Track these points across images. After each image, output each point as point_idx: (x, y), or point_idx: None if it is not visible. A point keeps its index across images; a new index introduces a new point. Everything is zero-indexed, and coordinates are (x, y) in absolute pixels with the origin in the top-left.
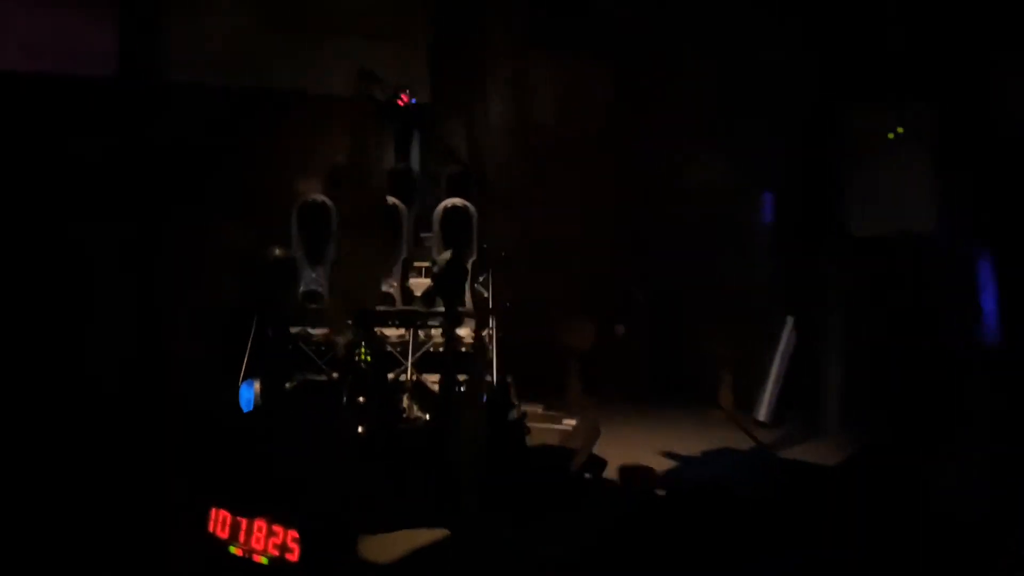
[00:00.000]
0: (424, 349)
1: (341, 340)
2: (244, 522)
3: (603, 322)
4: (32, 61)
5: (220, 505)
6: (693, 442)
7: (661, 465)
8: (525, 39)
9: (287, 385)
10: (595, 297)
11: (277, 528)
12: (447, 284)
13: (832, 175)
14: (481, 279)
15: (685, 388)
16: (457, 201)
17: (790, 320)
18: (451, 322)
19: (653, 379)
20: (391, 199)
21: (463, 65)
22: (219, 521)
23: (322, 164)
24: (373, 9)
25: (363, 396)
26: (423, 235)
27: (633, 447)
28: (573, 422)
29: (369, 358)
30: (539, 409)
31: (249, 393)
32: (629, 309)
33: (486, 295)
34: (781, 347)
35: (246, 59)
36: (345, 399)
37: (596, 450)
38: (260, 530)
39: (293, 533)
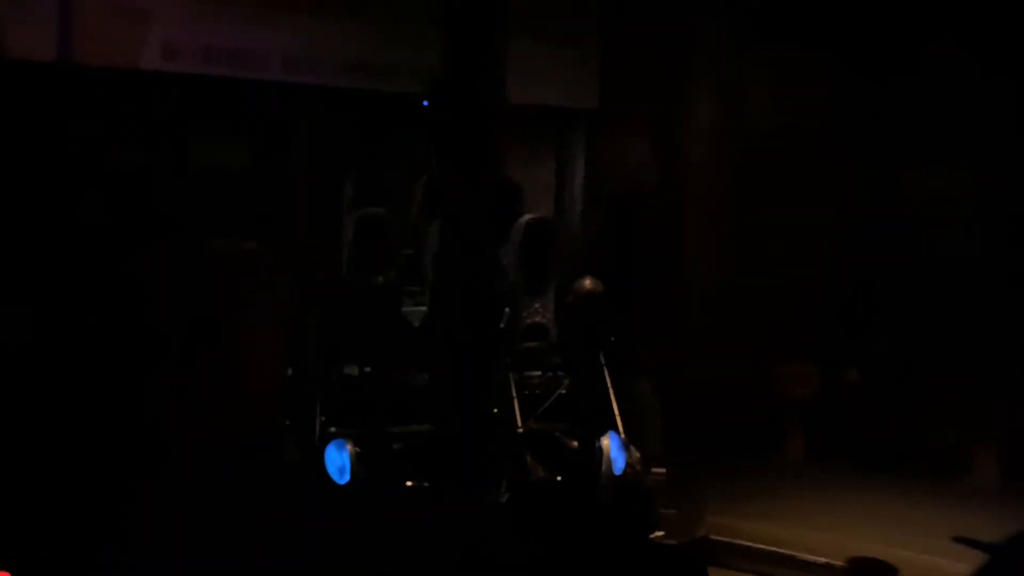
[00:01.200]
0: (556, 394)
1: (419, 383)
2: None
3: (830, 366)
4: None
5: None
6: (971, 524)
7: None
8: (734, 34)
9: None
10: (819, 335)
11: None
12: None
13: None
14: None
15: (935, 450)
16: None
17: None
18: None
19: (894, 438)
20: None
21: (651, 66)
22: None
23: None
24: (541, 10)
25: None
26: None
27: (895, 530)
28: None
29: (496, 409)
30: None
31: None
32: (838, 392)
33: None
34: None
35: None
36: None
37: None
38: None
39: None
